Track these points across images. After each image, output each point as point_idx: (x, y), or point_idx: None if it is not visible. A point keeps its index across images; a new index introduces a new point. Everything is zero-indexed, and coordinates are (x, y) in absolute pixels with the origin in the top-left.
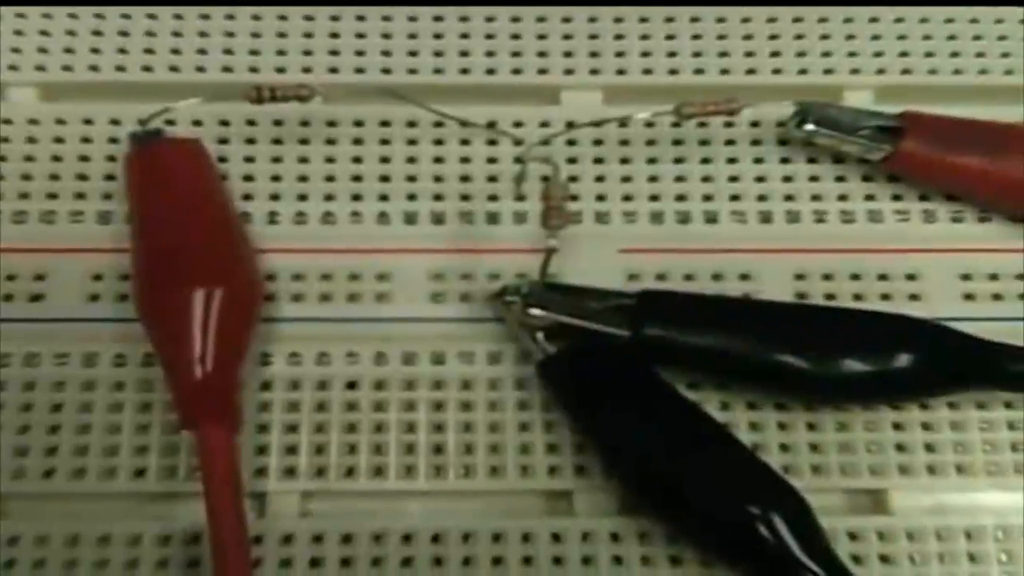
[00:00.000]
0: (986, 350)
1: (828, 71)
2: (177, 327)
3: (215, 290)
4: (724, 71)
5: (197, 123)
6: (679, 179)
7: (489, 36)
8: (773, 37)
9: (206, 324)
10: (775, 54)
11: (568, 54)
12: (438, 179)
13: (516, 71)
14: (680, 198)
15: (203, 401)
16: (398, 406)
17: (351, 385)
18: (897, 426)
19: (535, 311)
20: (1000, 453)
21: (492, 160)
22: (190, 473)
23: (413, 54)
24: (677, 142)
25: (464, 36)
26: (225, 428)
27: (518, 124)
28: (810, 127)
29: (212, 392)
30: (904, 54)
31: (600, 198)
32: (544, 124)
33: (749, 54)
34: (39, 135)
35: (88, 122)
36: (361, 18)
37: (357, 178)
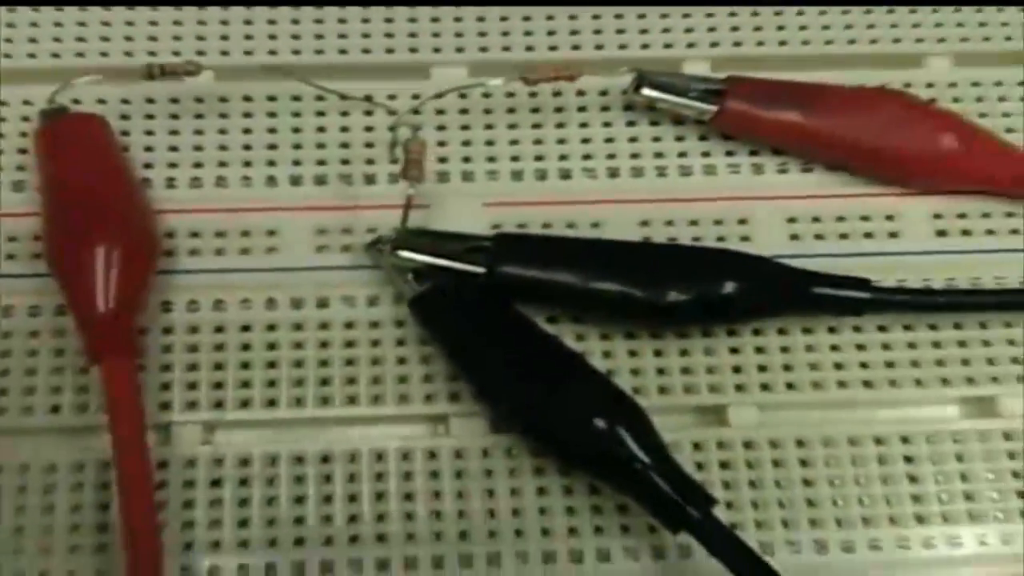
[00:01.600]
0: (800, 276)
1: (668, 45)
2: (83, 277)
3: (115, 243)
4: (575, 47)
5: (101, 102)
6: (537, 142)
7: (364, 20)
8: (618, 16)
9: (108, 273)
10: (620, 31)
11: (436, 35)
12: (320, 146)
13: (389, 50)
14: (538, 158)
15: (106, 337)
16: (288, 345)
17: (245, 328)
18: (733, 350)
19: (403, 253)
20: (824, 371)
21: (369, 129)
22: (100, 408)
23: (296, 37)
24: (534, 109)
25: (341, 21)
26: (127, 360)
27: (392, 97)
28: (646, 91)
29: (114, 330)
30: (735, 28)
31: (466, 159)
32: (415, 97)
33: (597, 32)
34: None
35: (3, 103)
36: (248, 6)
37: (247, 147)
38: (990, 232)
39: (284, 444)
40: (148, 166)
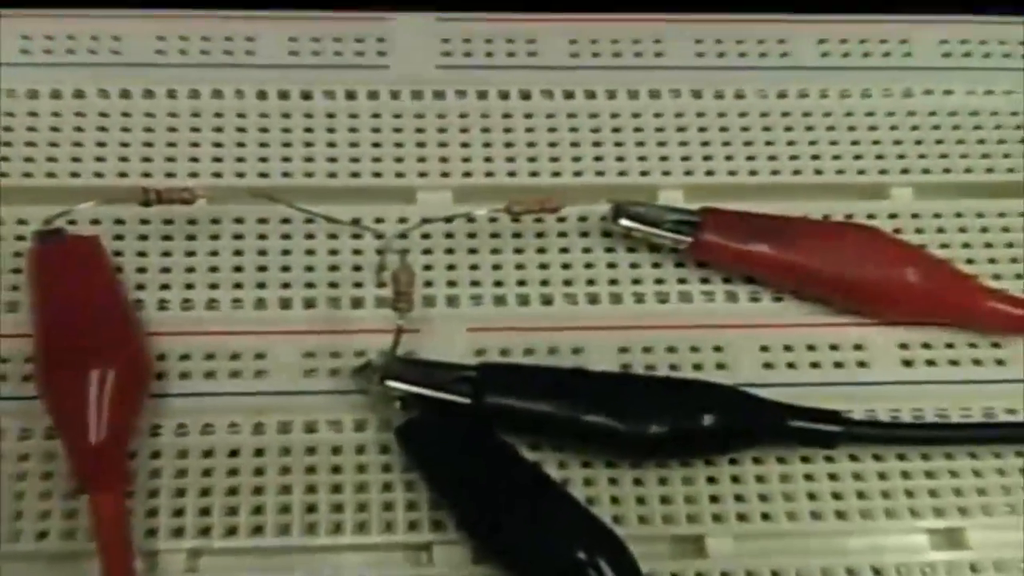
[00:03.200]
0: (772, 409)
1: (644, 173)
2: (72, 403)
3: (107, 369)
4: (555, 173)
5: (95, 222)
6: (519, 267)
7: (353, 144)
8: (597, 144)
9: (99, 400)
10: (598, 158)
11: (421, 159)
12: (309, 269)
13: (376, 174)
14: (520, 283)
15: (96, 469)
16: (275, 470)
17: (233, 453)
18: (711, 479)
19: (390, 383)
20: (798, 501)
21: (357, 252)
22: (87, 535)
23: (287, 160)
24: (517, 235)
25: (331, 145)
26: (116, 493)
27: (379, 220)
28: (624, 222)
29: (104, 461)
30: (708, 158)
31: (451, 283)
32: (402, 220)
33: (576, 159)
34: None
35: None
36: (242, 130)
37: (238, 269)
38: (953, 363)
39: (270, 573)
40: (140, 287)
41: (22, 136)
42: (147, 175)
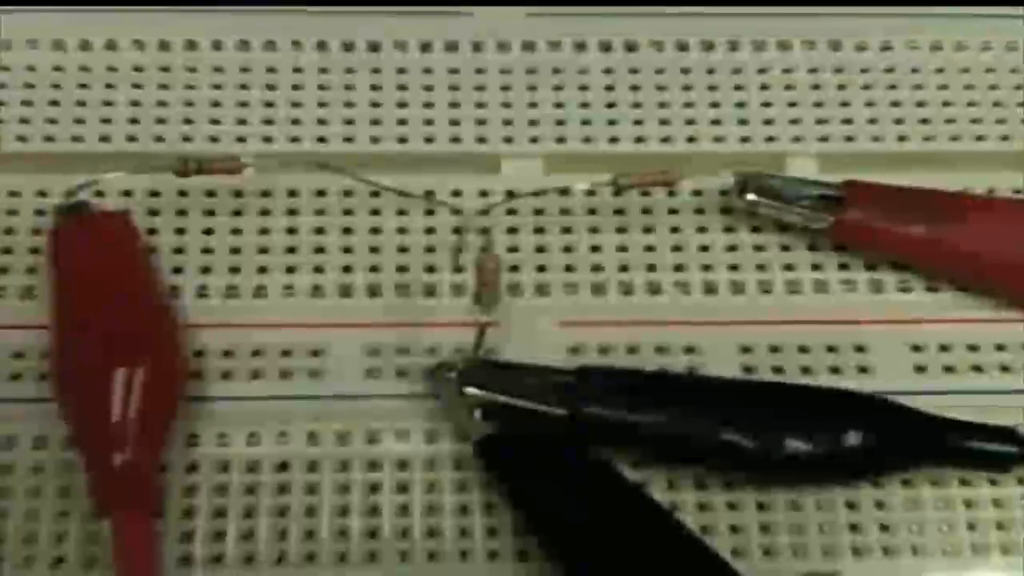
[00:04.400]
0: (935, 426)
1: (770, 139)
2: (94, 408)
3: (135, 370)
4: (665, 139)
5: (127, 194)
6: (621, 249)
7: (427, 105)
8: (714, 105)
9: (125, 406)
10: (716, 122)
11: (508, 122)
12: (374, 250)
13: (454, 140)
14: (622, 269)
15: (119, 488)
16: (331, 489)
17: (282, 467)
18: (851, 505)
19: (471, 390)
20: (956, 533)
21: (430, 231)
22: (109, 563)
23: (349, 123)
24: (619, 211)
25: (401, 105)
26: (143, 517)
27: (457, 193)
28: (751, 197)
29: (129, 479)
30: (847, 121)
31: (540, 269)
32: (484, 194)
33: (690, 122)
34: None
35: (14, 194)
36: (297, 87)
37: (291, 250)
38: None
39: None
40: (177, 270)
41: (45, 94)
42: (187, 140)
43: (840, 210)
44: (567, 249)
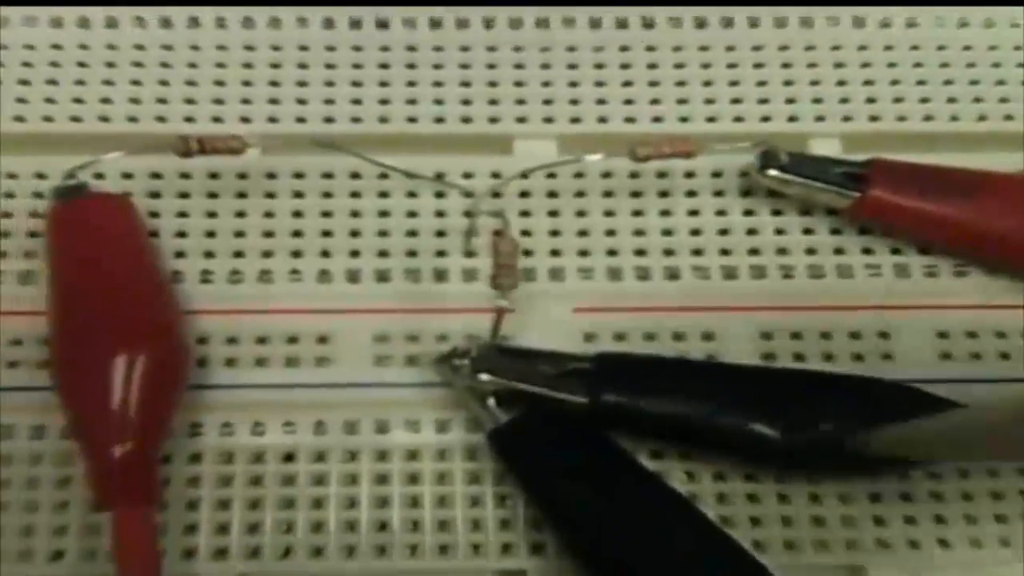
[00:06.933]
0: None
1: (792, 119)
2: (94, 397)
3: (136, 357)
4: (683, 119)
5: (127, 176)
6: (638, 232)
7: (437, 84)
8: (734, 84)
9: (126, 395)
10: (736, 101)
11: (521, 102)
12: (383, 234)
13: (465, 120)
14: (639, 252)
15: (120, 480)
16: (338, 479)
17: (288, 457)
18: (874, 497)
19: (485, 376)
20: (983, 525)
21: (440, 214)
22: (110, 556)
23: (357, 102)
24: (635, 194)
25: (411, 84)
26: (143, 510)
27: (468, 175)
28: (775, 172)
29: (131, 467)
30: (871, 100)
31: (555, 253)
32: (495, 175)
33: (709, 101)
34: None
35: (12, 176)
36: (303, 65)
37: (297, 233)
38: None
39: None
40: (179, 255)
41: (42, 73)
42: (189, 120)
43: (864, 187)
44: (582, 233)
